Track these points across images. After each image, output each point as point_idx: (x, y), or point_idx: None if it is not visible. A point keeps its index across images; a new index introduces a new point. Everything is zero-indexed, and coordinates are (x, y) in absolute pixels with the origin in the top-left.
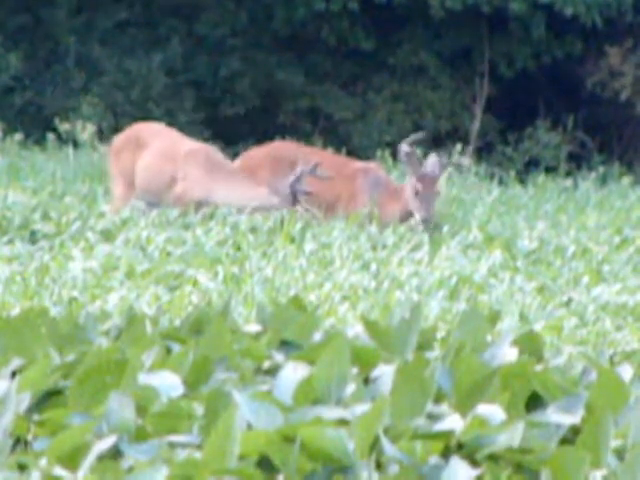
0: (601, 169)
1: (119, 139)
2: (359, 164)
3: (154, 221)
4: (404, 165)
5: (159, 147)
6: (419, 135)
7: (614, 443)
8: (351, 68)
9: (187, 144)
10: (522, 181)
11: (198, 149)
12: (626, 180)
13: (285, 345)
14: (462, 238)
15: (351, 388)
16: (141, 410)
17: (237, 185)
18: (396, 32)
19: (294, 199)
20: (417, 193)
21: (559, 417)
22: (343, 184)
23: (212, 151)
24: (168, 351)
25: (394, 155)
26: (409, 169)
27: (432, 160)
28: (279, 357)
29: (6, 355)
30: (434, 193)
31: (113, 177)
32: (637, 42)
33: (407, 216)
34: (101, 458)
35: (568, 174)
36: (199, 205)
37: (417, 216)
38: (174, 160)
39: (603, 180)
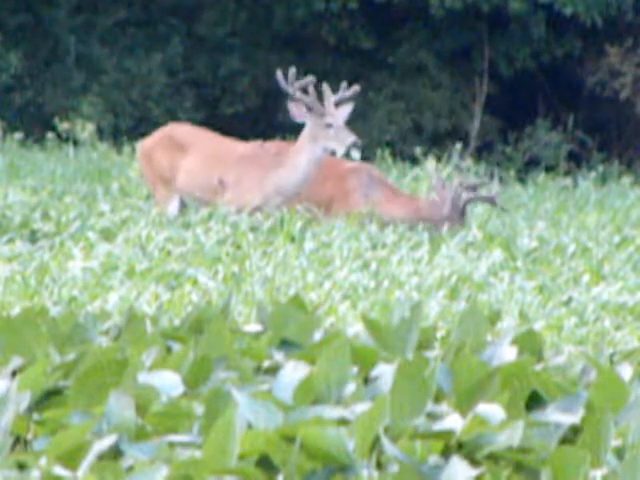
0: (601, 168)
1: (149, 142)
2: (350, 164)
3: (154, 220)
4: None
5: (205, 150)
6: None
7: (614, 443)
8: (351, 67)
9: (239, 147)
10: (522, 180)
11: (251, 154)
12: (626, 179)
13: (285, 345)
14: (462, 237)
15: (351, 388)
16: (141, 410)
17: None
18: (396, 31)
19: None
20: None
21: (559, 417)
22: (335, 185)
23: (264, 153)
24: (168, 350)
25: (394, 154)
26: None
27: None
28: (279, 357)
29: (6, 355)
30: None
31: (149, 181)
32: (637, 42)
33: (417, 220)
34: (101, 458)
35: (568, 173)
36: (255, 210)
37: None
38: (224, 164)
39: (603, 179)
